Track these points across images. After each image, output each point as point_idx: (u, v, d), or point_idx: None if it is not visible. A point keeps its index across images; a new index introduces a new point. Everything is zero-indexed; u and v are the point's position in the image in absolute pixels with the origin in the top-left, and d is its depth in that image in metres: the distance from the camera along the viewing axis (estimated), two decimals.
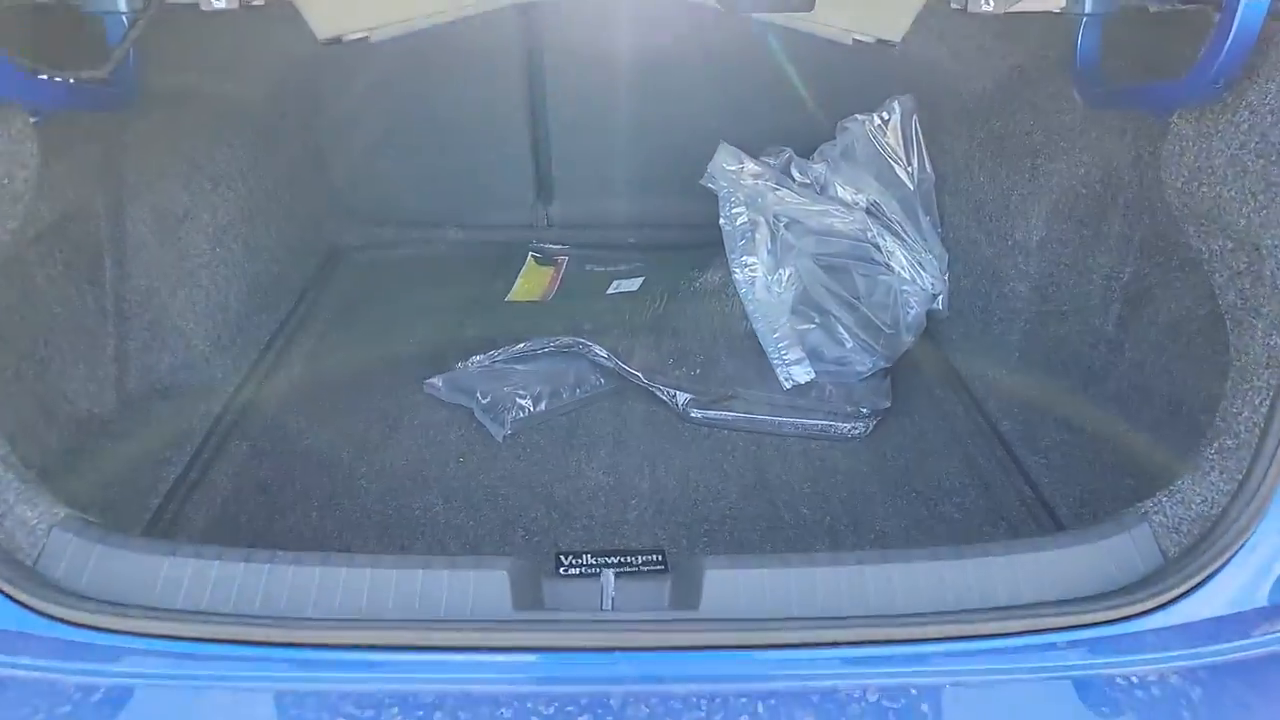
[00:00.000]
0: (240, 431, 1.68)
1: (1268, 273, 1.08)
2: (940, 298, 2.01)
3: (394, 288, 2.22)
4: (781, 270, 1.93)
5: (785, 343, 1.81)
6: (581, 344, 1.82)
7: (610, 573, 1.00)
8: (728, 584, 0.96)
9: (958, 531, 1.50)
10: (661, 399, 1.78)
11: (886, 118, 2.02)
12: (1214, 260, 1.22)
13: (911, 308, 1.97)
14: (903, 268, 2.01)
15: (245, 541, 1.43)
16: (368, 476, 1.59)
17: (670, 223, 2.43)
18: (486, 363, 1.84)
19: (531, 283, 2.20)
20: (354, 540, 1.46)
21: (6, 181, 1.19)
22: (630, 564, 1.29)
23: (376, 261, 2.36)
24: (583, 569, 1.25)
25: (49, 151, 1.28)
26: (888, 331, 1.91)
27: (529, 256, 2.33)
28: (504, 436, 1.68)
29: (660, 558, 1.32)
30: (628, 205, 2.43)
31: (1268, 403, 1.01)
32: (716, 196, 2.05)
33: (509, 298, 2.12)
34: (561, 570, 1.25)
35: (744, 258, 1.95)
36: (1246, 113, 1.14)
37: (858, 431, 1.72)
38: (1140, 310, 1.59)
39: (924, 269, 2.01)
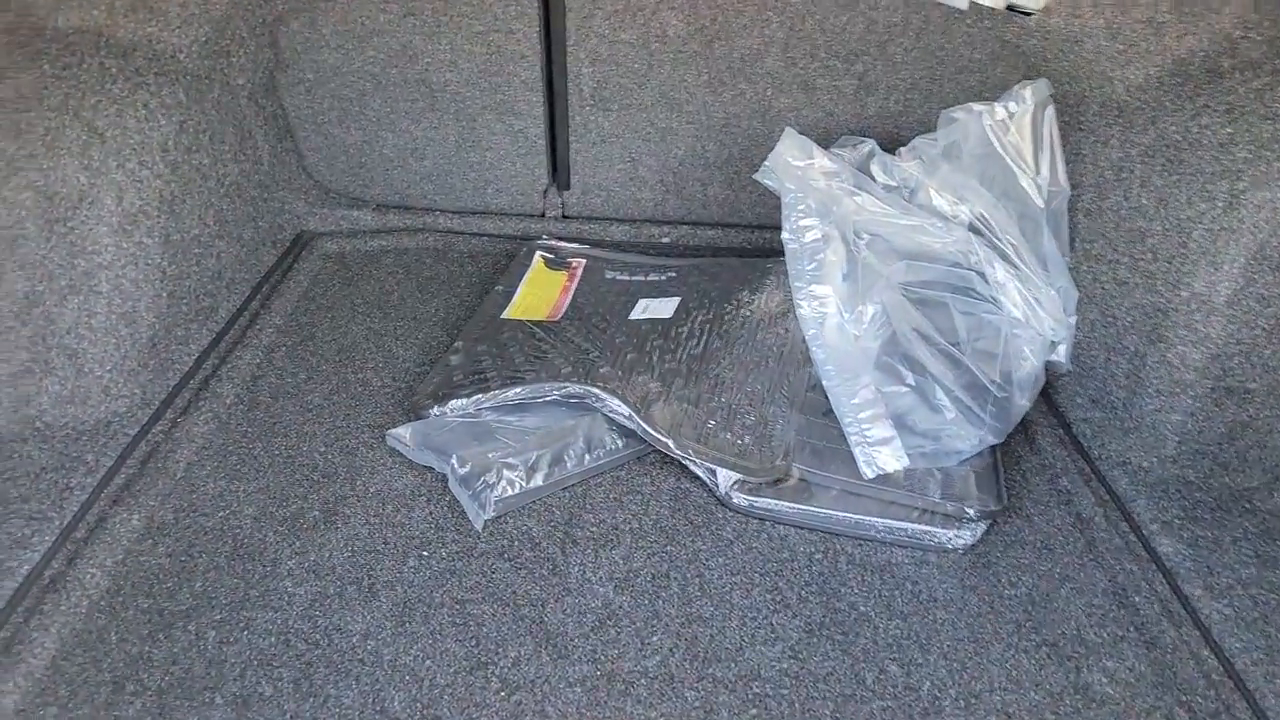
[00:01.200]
0: (134, 497, 1.25)
1: None
2: (1063, 347, 1.55)
3: (365, 292, 1.77)
4: (863, 307, 1.47)
5: (868, 412, 1.36)
6: (595, 395, 1.37)
7: None
8: None
9: None
10: (697, 473, 1.34)
11: (1013, 110, 1.54)
12: None
13: (1026, 358, 1.51)
14: (1015, 305, 1.54)
15: (111, 672, 1.02)
16: (295, 576, 1.16)
17: (715, 221, 1.96)
18: (470, 409, 1.39)
19: (538, 293, 1.75)
20: (258, 683, 1.04)
21: None
22: None
23: (348, 254, 1.90)
24: None
25: None
26: (997, 393, 1.45)
27: (537, 256, 1.87)
28: (484, 522, 1.24)
29: None
30: (662, 196, 1.96)
31: None
32: (775, 193, 1.60)
33: (507, 314, 1.67)
34: None
35: (812, 287, 1.49)
36: None
37: (961, 542, 1.27)
38: None
39: (1042, 307, 1.54)
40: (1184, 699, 1.08)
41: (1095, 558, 1.28)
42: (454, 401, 1.40)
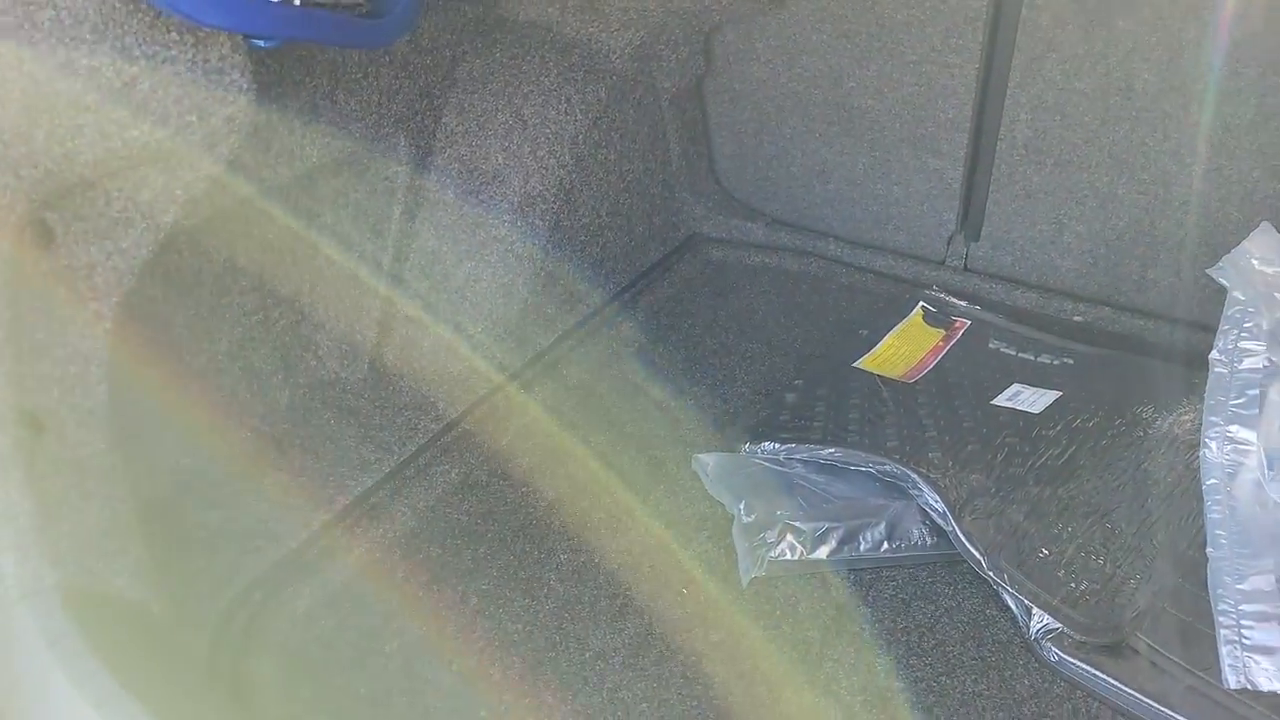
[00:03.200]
0: (460, 453, 1.37)
1: None
2: None
3: (733, 305, 1.77)
4: None
5: (1257, 606, 1.05)
6: (913, 481, 1.23)
7: None
8: None
9: None
10: (1008, 603, 1.14)
11: None
12: None
13: None
14: None
15: (380, 611, 1.13)
16: (560, 571, 1.20)
17: (1146, 310, 1.65)
18: (780, 456, 1.33)
19: (903, 348, 1.61)
20: (490, 663, 1.09)
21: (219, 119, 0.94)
22: None
23: (730, 263, 1.91)
24: None
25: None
26: None
27: (918, 307, 1.73)
28: (750, 579, 1.18)
29: None
30: (1088, 269, 1.69)
31: None
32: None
33: (860, 363, 1.56)
34: None
35: (1232, 428, 1.18)
36: None
37: None
38: None
39: None
40: None
41: None
42: (767, 444, 1.34)
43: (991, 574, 1.14)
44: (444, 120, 1.45)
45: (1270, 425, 1.18)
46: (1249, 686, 1.00)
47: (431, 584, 1.19)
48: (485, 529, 1.27)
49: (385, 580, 1.19)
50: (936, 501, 1.20)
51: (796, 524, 1.20)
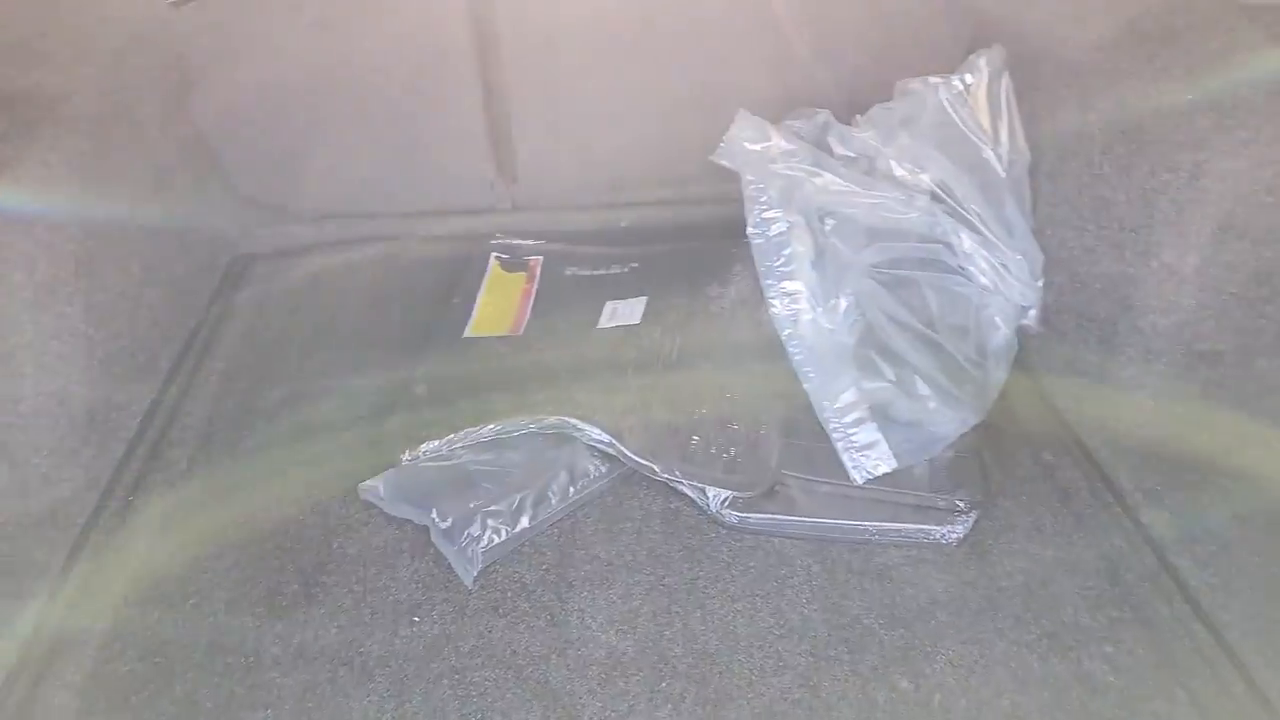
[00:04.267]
0: (93, 597, 1.18)
1: None
2: (1032, 311, 1.54)
3: (314, 317, 1.69)
4: (836, 299, 1.44)
5: (852, 416, 1.33)
6: (572, 425, 1.33)
7: None
8: None
9: (1120, 711, 1.07)
10: (687, 491, 1.31)
11: (969, 81, 1.49)
12: None
13: (998, 327, 1.50)
14: (983, 273, 1.53)
15: None
16: (281, 664, 1.12)
17: (672, 199, 1.90)
18: (444, 451, 1.35)
19: (498, 302, 1.68)
20: None
21: None
22: None
23: (290, 276, 1.81)
24: None
25: None
26: (974, 370, 1.44)
27: (491, 259, 1.80)
28: (474, 578, 1.21)
29: None
30: (616, 179, 1.89)
31: None
32: (733, 170, 1.54)
33: (469, 332, 1.61)
34: None
35: (784, 284, 1.45)
36: None
37: (955, 535, 1.27)
38: None
39: (1010, 273, 1.53)
40: (1182, 679, 1.10)
41: (1084, 534, 1.28)
42: (426, 445, 1.35)
43: (666, 476, 1.30)
44: None
45: (805, 271, 1.47)
46: (870, 475, 1.29)
47: None
48: (170, 665, 1.12)
49: None
50: (599, 434, 1.31)
51: (492, 508, 1.24)
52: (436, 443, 1.34)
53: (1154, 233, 1.29)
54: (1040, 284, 1.53)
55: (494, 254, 1.81)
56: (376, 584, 1.21)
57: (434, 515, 1.24)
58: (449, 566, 1.23)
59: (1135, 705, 1.08)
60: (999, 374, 1.45)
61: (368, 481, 1.32)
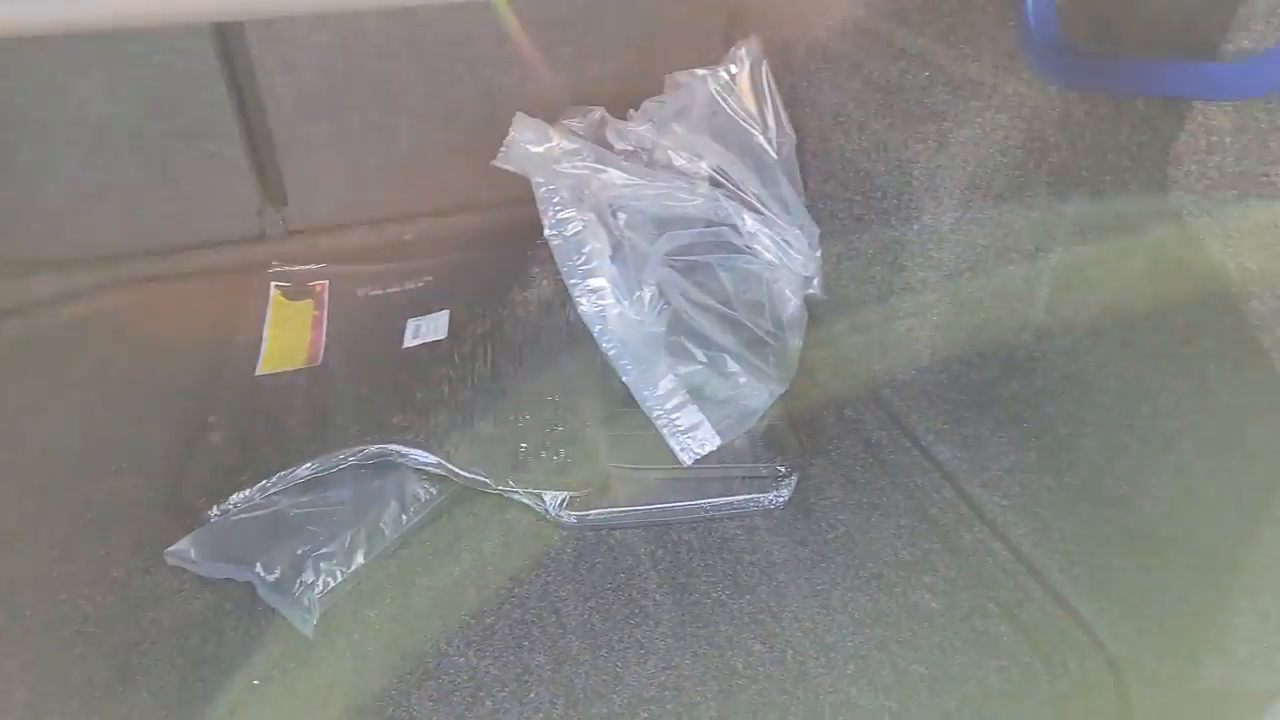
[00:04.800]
0: None
1: None
2: (816, 280, 1.65)
3: (78, 375, 1.52)
4: (640, 291, 1.47)
5: (673, 401, 1.38)
6: (396, 452, 1.28)
7: None
8: None
9: (945, 633, 1.18)
10: (523, 500, 1.31)
11: (733, 71, 1.57)
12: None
13: (788, 299, 1.60)
14: (768, 250, 1.62)
15: None
16: None
17: (456, 207, 1.87)
18: (256, 499, 1.26)
19: (288, 335, 1.59)
20: None
21: None
22: None
23: (40, 334, 1.61)
24: None
25: None
26: (774, 341, 1.53)
27: (272, 289, 1.69)
28: (314, 626, 1.14)
29: None
30: (394, 194, 1.83)
31: None
32: (517, 173, 1.54)
33: (262, 370, 1.51)
34: None
35: (587, 281, 1.47)
36: None
37: (781, 499, 1.35)
38: (1072, 293, 1.33)
39: (792, 247, 1.63)
40: (991, 594, 1.23)
41: (891, 479, 1.40)
42: (235, 496, 1.25)
43: (500, 487, 1.28)
44: None
45: (606, 266, 1.49)
46: (698, 455, 1.33)
47: None
48: None
49: None
50: (425, 456, 1.28)
51: (322, 550, 1.18)
52: (247, 492, 1.25)
53: (912, 199, 1.42)
54: (819, 254, 1.64)
55: (274, 283, 1.70)
56: (203, 654, 1.11)
57: (258, 569, 1.15)
58: (284, 620, 1.15)
59: (957, 625, 1.19)
60: (796, 342, 1.55)
61: (175, 545, 1.21)
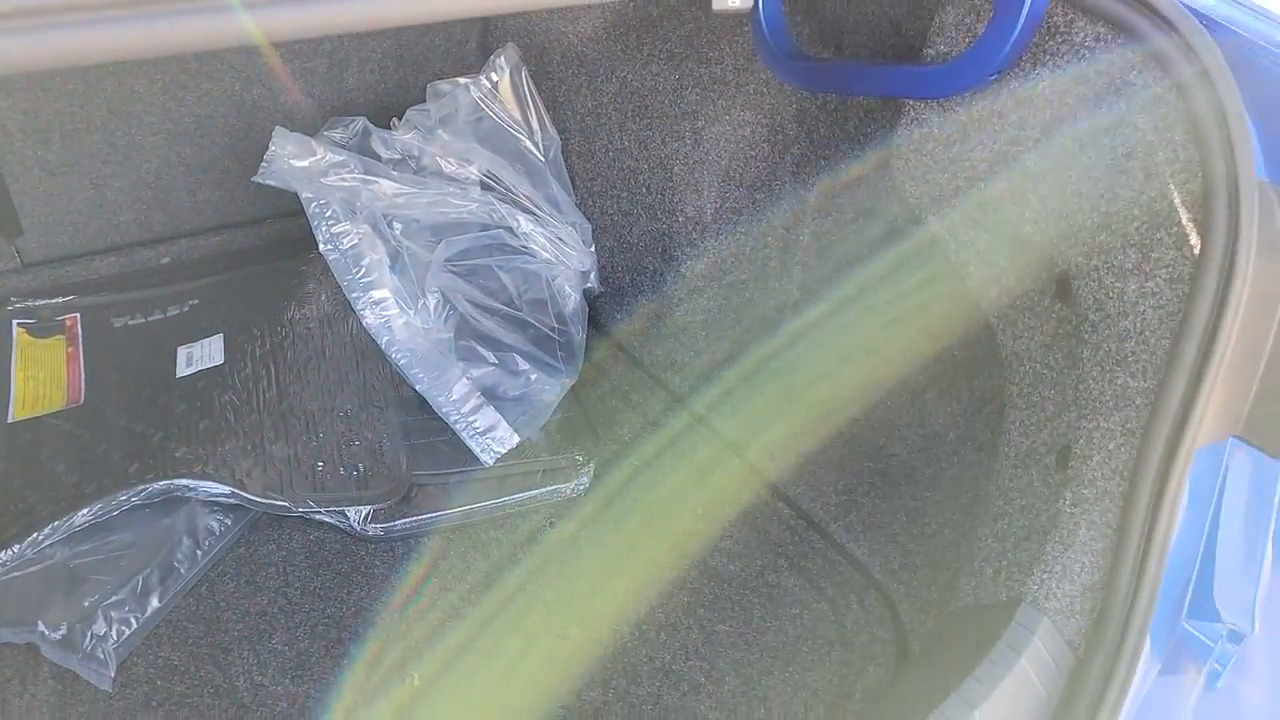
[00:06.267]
0: None
1: (1088, 309, 0.96)
2: (592, 274, 1.73)
3: None
4: (424, 298, 1.49)
5: (469, 405, 1.41)
6: (183, 486, 1.23)
7: None
8: None
9: (744, 590, 1.31)
10: (326, 519, 1.30)
11: (494, 79, 1.62)
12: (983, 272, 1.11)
13: (568, 294, 1.67)
14: (544, 249, 1.68)
15: None
16: None
17: (213, 226, 1.78)
18: (29, 554, 1.17)
19: (39, 375, 1.47)
20: None
21: None
22: None
23: None
24: None
25: None
26: (559, 336, 1.60)
27: (14, 327, 1.55)
28: (112, 679, 1.09)
29: None
30: (144, 215, 1.72)
31: (1125, 447, 0.92)
32: (280, 188, 1.52)
33: (15, 416, 1.38)
34: None
35: (370, 294, 1.47)
36: (1015, 105, 1.00)
37: (584, 486, 1.42)
38: (821, 267, 1.49)
39: (566, 244, 1.70)
40: (779, 548, 1.36)
41: (677, 452, 1.51)
42: (2, 554, 1.16)
43: (301, 509, 1.27)
44: None
45: (387, 278, 1.50)
46: (498, 454, 1.38)
47: None
48: None
49: None
50: (216, 487, 1.24)
51: (112, 599, 1.12)
52: (17, 548, 1.16)
53: (675, 193, 1.53)
54: (593, 249, 1.72)
55: (15, 321, 1.56)
56: None
57: (40, 628, 1.08)
58: (78, 678, 1.09)
59: (753, 583, 1.32)
60: (579, 335, 1.63)
61: None
